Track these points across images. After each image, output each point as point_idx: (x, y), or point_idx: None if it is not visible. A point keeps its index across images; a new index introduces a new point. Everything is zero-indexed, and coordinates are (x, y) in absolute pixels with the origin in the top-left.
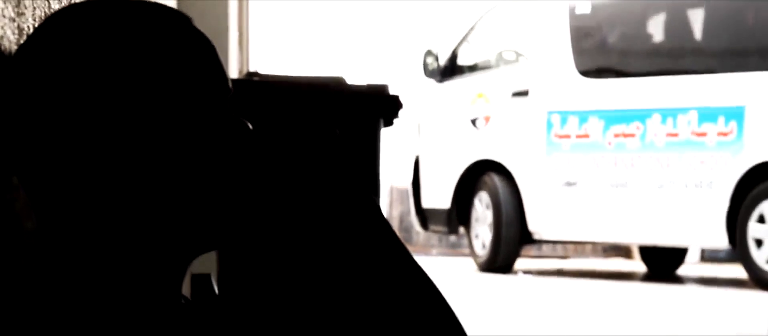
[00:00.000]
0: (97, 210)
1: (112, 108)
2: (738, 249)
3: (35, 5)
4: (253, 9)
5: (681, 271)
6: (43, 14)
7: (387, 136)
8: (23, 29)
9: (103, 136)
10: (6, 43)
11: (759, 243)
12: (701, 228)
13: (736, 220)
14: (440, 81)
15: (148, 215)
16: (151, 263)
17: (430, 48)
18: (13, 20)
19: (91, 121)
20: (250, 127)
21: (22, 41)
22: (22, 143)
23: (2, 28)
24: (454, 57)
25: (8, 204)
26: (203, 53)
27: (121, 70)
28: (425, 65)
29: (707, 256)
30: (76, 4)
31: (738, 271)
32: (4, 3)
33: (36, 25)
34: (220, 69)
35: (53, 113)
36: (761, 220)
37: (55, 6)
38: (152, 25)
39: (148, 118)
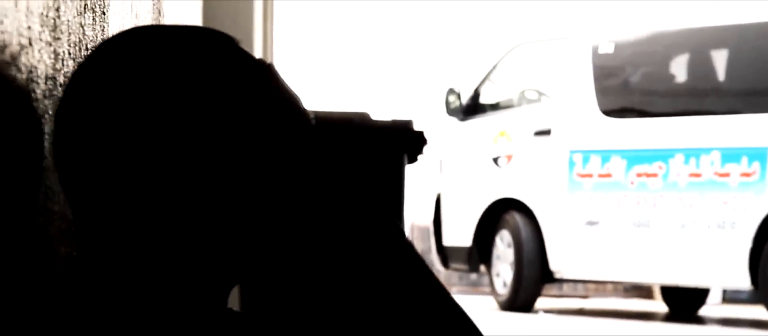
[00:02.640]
0: (149, 234)
1: (168, 130)
2: (760, 290)
3: (70, 30)
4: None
5: (702, 311)
6: (77, 39)
7: (409, 173)
8: (59, 54)
9: (159, 160)
10: (42, 67)
11: None
12: (723, 268)
13: (759, 261)
14: (462, 119)
15: (198, 238)
16: (199, 283)
17: (452, 86)
18: (50, 44)
19: (145, 145)
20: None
21: (57, 65)
22: (77, 167)
23: (39, 51)
24: (476, 95)
25: (42, 229)
26: (254, 77)
27: (175, 93)
28: (447, 103)
29: (729, 297)
30: (126, 31)
31: (760, 312)
32: (41, 27)
33: (71, 50)
34: (272, 93)
35: (110, 136)
36: None
37: (89, 32)
38: (204, 51)
39: (202, 143)
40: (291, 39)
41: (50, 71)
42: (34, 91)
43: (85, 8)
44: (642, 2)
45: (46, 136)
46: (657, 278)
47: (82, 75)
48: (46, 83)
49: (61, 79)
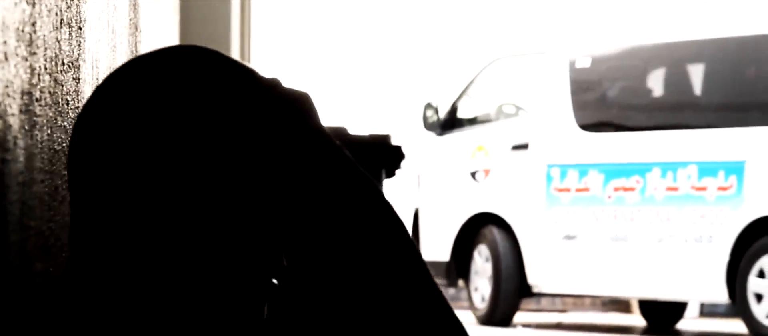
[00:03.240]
0: (156, 236)
1: (175, 137)
2: (738, 304)
3: (46, 45)
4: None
5: (680, 325)
6: (53, 54)
7: (387, 187)
8: (35, 68)
9: (166, 166)
10: (18, 82)
11: (759, 298)
12: (701, 282)
13: (736, 275)
14: (440, 134)
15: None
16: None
17: (429, 101)
18: (26, 59)
19: (155, 151)
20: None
21: (33, 80)
22: (92, 170)
23: (15, 66)
24: (453, 110)
25: (20, 245)
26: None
27: (178, 106)
28: (425, 118)
29: (706, 311)
30: (150, 53)
31: (738, 326)
32: (17, 42)
33: (47, 65)
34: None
35: (124, 141)
36: (761, 274)
37: (65, 47)
38: (216, 71)
39: (205, 151)
40: (268, 44)
41: (26, 86)
42: (9, 106)
43: (61, 23)
44: (618, 17)
45: (23, 151)
46: (635, 292)
47: (103, 89)
48: (22, 98)
49: (36, 94)
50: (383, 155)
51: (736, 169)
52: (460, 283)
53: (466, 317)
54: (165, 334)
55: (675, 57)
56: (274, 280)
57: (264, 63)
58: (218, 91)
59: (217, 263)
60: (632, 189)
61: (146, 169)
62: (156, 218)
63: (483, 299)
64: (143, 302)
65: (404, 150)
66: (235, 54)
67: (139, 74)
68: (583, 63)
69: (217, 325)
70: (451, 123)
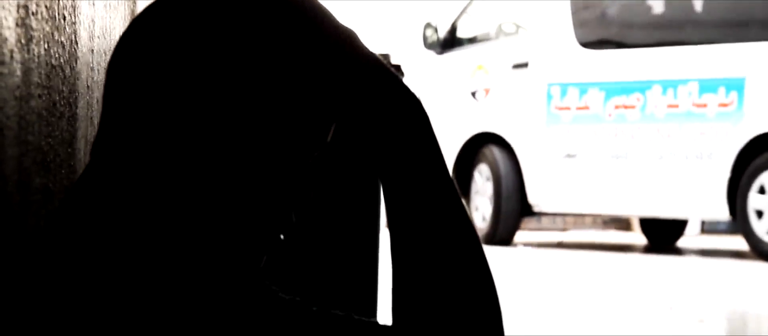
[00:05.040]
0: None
1: (217, 98)
2: (738, 220)
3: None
4: None
5: (681, 243)
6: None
7: None
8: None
9: (208, 128)
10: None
11: (760, 214)
12: (702, 199)
13: (737, 192)
14: (440, 53)
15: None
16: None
17: (429, 20)
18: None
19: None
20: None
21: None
22: (127, 129)
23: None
24: (453, 29)
25: (18, 160)
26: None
27: (223, 60)
28: (425, 37)
29: (707, 228)
30: None
31: (739, 242)
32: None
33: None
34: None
35: (158, 96)
36: (762, 191)
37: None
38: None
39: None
40: None
41: (22, 0)
42: (5, 19)
43: None
44: None
45: (19, 65)
46: (635, 210)
47: (150, 8)
48: (18, 12)
49: (32, 8)
50: None
51: (736, 85)
52: None
53: None
54: (166, 250)
55: None
56: (281, 236)
57: None
58: (282, 43)
59: (233, 207)
60: (633, 107)
61: (185, 93)
62: (190, 145)
63: (484, 219)
64: (157, 220)
65: (404, 69)
66: None
67: (193, 3)
68: None
69: (212, 263)
70: (450, 42)
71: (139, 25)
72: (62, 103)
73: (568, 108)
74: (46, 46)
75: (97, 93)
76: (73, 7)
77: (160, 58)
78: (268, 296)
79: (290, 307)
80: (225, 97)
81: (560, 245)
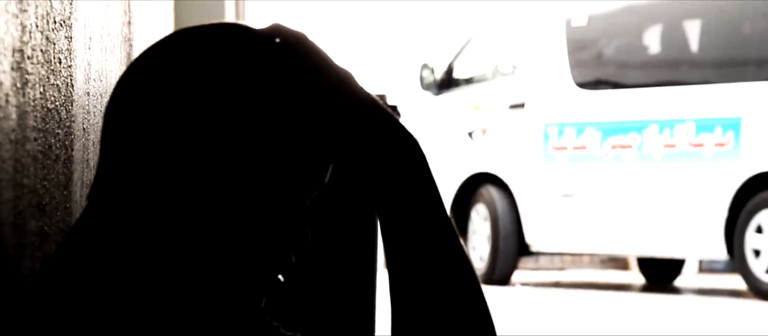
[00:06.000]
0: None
1: (213, 126)
2: (736, 259)
3: (37, 3)
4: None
5: (679, 282)
6: (45, 12)
7: None
8: (26, 26)
9: (207, 155)
10: (9, 39)
11: (757, 253)
12: (699, 239)
13: (734, 231)
14: (437, 94)
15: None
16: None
17: (426, 61)
18: (16, 17)
19: (193, 140)
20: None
21: (24, 38)
22: (127, 129)
23: (6, 23)
24: (450, 70)
25: (13, 203)
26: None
27: (220, 92)
28: (421, 78)
29: (705, 268)
30: (182, 30)
31: (736, 281)
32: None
33: (38, 23)
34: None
35: (159, 126)
36: (759, 230)
37: (56, 5)
38: (247, 50)
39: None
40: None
41: (18, 44)
42: (1, 64)
43: None
44: None
45: (15, 109)
46: (633, 249)
47: (149, 51)
48: (13, 56)
49: (28, 52)
50: None
51: (733, 125)
52: None
53: None
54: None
55: (671, 13)
56: (281, 276)
57: None
58: (264, 80)
59: (232, 249)
60: (629, 146)
61: (183, 137)
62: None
63: (481, 258)
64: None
65: (400, 110)
66: None
67: (192, 46)
68: (580, 21)
69: (212, 306)
70: (447, 83)
71: (136, 68)
72: (58, 146)
73: (564, 148)
74: (41, 89)
75: (93, 136)
76: (69, 51)
77: (158, 102)
78: (269, 333)
79: None
80: (223, 140)
81: (558, 284)
